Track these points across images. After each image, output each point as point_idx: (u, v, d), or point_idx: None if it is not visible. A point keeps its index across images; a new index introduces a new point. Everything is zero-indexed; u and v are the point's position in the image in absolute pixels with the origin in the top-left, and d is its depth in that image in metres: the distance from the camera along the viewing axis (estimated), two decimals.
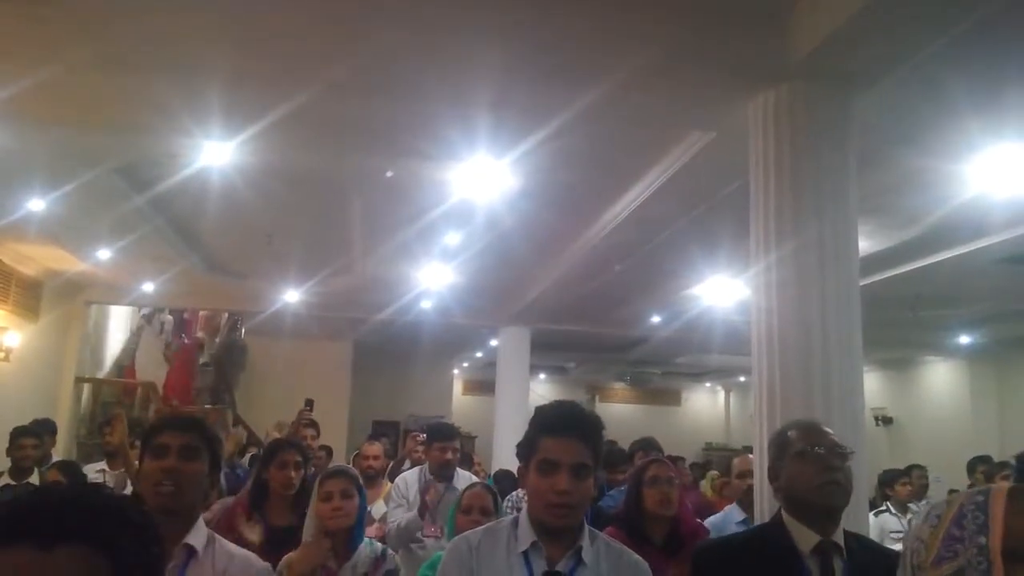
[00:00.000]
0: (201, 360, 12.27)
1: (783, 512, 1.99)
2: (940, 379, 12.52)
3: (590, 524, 1.90)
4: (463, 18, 3.43)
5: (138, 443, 3.09)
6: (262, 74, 3.82)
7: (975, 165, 4.76)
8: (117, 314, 11.19)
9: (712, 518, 4.14)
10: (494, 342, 11.43)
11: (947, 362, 12.25)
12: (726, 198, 5.07)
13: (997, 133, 4.30)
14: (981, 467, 6.34)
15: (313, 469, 3.89)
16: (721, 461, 13.57)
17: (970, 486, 6.08)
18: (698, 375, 17.84)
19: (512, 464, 2.13)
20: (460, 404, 16.16)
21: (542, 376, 17.27)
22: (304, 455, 3.38)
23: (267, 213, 6.38)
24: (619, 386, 18.57)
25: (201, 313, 12.49)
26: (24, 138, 4.89)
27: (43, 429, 5.65)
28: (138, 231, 6.75)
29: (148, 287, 9.08)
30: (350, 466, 3.70)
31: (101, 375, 10.60)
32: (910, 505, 5.88)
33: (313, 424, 5.61)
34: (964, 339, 10.59)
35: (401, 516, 3.96)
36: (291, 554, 2.68)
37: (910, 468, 6.33)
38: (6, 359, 8.12)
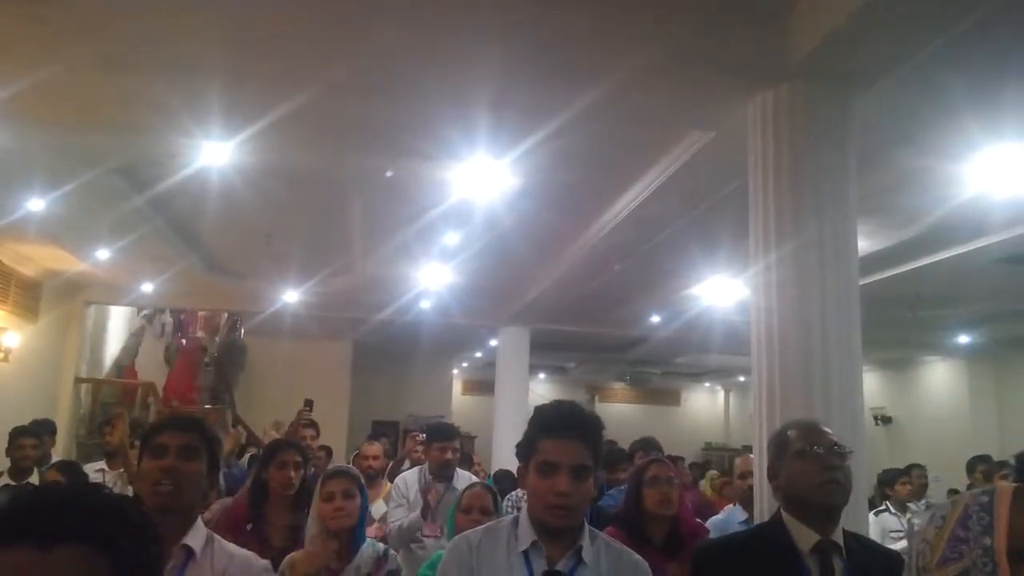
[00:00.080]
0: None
1: (783, 511, 1.99)
2: (939, 379, 12.54)
3: (590, 524, 1.90)
4: (463, 18, 3.43)
5: (138, 443, 3.09)
6: (262, 74, 3.82)
7: (974, 165, 4.76)
8: (117, 314, 11.18)
9: (714, 518, 4.14)
10: (494, 342, 11.42)
11: (946, 362, 12.27)
12: (726, 198, 5.06)
13: (997, 133, 4.31)
14: (980, 466, 6.33)
15: (313, 469, 3.88)
16: (720, 461, 13.67)
17: (969, 486, 6.09)
18: (698, 375, 17.84)
19: (512, 464, 2.13)
20: (460, 404, 16.15)
21: (542, 376, 17.26)
22: (304, 455, 3.37)
23: (266, 213, 6.37)
24: (619, 386, 18.57)
25: (200, 313, 12.48)
26: (24, 138, 4.88)
27: (43, 429, 5.65)
28: (138, 231, 6.74)
29: (147, 287, 9.07)
30: (351, 466, 3.70)
31: (101, 375, 10.59)
32: (910, 504, 5.88)
33: (313, 424, 5.60)
34: (963, 339, 10.61)
35: (403, 516, 3.96)
36: (294, 554, 2.67)
37: (909, 468, 6.32)
38: (6, 359, 8.11)
